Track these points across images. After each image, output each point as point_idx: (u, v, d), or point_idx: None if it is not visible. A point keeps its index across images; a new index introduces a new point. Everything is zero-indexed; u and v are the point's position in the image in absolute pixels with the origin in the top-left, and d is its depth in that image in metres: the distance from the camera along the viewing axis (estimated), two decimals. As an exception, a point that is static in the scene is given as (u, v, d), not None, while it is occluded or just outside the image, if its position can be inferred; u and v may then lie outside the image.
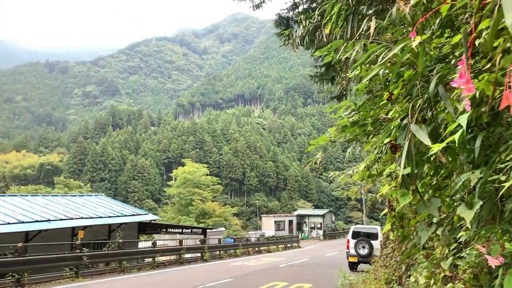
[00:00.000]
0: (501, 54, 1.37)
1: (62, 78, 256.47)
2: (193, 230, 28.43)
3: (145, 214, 25.27)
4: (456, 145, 2.26)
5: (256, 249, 31.05)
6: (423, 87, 2.04)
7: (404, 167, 1.85)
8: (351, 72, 4.06)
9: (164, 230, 26.43)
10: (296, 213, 60.89)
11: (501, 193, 1.65)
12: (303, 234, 52.62)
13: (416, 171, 1.87)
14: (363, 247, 17.55)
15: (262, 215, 59.08)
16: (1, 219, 15.25)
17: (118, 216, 21.46)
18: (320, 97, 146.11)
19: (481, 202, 1.70)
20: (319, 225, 55.33)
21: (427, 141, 1.60)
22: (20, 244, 12.92)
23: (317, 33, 8.31)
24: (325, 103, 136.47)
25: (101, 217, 20.09)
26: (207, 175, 65.83)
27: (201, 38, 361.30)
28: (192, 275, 16.00)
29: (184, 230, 27.45)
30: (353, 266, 17.85)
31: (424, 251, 2.45)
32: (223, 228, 42.42)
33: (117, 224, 21.33)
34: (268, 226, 50.03)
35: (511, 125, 2.13)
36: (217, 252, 25.48)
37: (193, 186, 59.38)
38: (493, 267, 1.70)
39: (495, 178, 1.76)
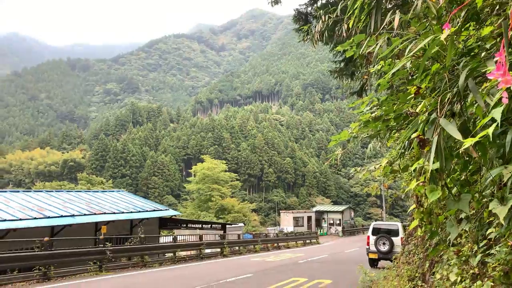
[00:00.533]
0: None
1: (84, 75, 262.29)
2: (212, 225, 28.67)
3: (166, 209, 25.64)
4: (490, 139, 2.22)
5: (275, 245, 31.08)
6: (451, 80, 2.00)
7: (433, 162, 1.82)
8: (374, 67, 4.01)
9: (184, 225, 26.76)
10: (314, 209, 60.63)
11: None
12: (322, 230, 52.36)
13: (445, 166, 1.84)
14: (384, 243, 17.33)
15: (280, 211, 59.07)
16: (28, 214, 15.76)
17: (139, 211, 21.85)
18: (339, 93, 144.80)
19: (514, 198, 1.66)
20: (338, 221, 54.91)
21: (458, 135, 1.57)
22: (46, 239, 13.33)
23: (336, 28, 8.22)
24: (344, 99, 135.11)
25: (123, 212, 20.50)
26: (225, 171, 66.23)
27: (219, 34, 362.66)
28: (212, 270, 16.17)
29: (203, 225, 27.73)
30: (373, 263, 17.65)
31: (454, 248, 2.41)
32: (242, 224, 42.61)
33: (138, 219, 21.72)
34: (286, 222, 49.97)
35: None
36: (237, 248, 25.62)
37: (212, 182, 59.85)
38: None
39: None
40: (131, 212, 21.20)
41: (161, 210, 24.43)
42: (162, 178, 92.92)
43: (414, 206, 2.26)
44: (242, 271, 15.08)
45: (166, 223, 25.64)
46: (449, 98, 1.79)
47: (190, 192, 71.41)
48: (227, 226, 29.92)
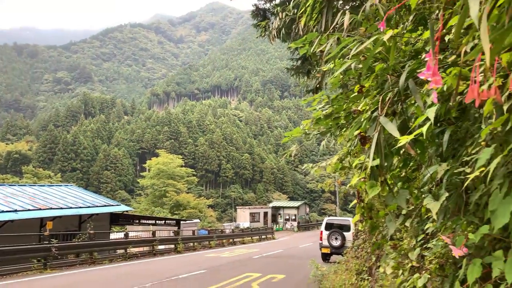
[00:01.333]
0: (465, 48, 1.40)
1: (32, 62, 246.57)
2: (166, 221, 28.19)
3: (117, 205, 24.83)
4: (424, 138, 2.31)
5: (231, 240, 31.12)
6: (394, 81, 2.06)
7: (374, 159, 1.87)
8: (326, 66, 4.09)
9: (137, 221, 26.08)
10: (271, 205, 61.38)
11: (465, 184, 1.69)
12: (277, 225, 53.14)
13: (385, 163, 1.89)
14: (336, 238, 17.86)
15: (237, 207, 59.21)
16: (-36, 209, 14.64)
17: (89, 206, 20.99)
18: (297, 91, 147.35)
19: (447, 194, 1.74)
20: (293, 217, 55.96)
21: (395, 133, 1.62)
22: (-16, 235, 12.45)
23: (293, 26, 8.31)
24: (302, 97, 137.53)
25: (71, 207, 19.59)
26: (181, 166, 65.29)
27: (177, 26, 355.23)
28: (165, 266, 15.89)
29: (157, 221, 27.19)
30: (326, 257, 18.15)
31: (391, 242, 2.51)
32: (197, 220, 42.25)
33: (88, 215, 20.86)
34: (243, 217, 50.21)
35: (478, 120, 2.19)
36: (191, 244, 25.37)
37: (167, 177, 58.78)
38: (457, 257, 1.75)
39: (461, 170, 1.81)
40: (80, 207, 20.31)
41: (112, 205, 23.62)
42: (115, 172, 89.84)
43: (355, 201, 2.32)
44: (195, 267, 14.95)
45: (118, 219, 24.85)
46: (390, 98, 1.84)
47: (144, 188, 69.72)
48: (181, 222, 29.52)
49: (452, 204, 2.26)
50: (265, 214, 52.71)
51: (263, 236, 37.09)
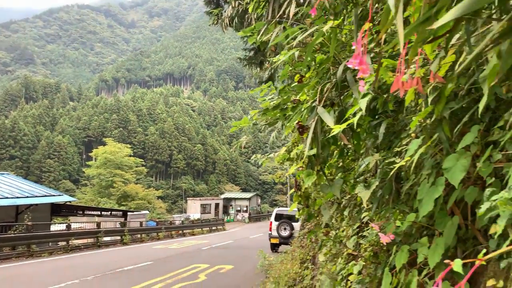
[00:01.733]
0: (384, 35, 1.43)
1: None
2: (113, 212, 27.26)
3: (60, 195, 23.55)
4: (361, 129, 2.36)
5: (180, 232, 30.75)
6: (334, 72, 2.08)
7: (311, 148, 1.88)
8: (276, 57, 4.09)
9: (81, 212, 24.98)
10: (222, 196, 61.36)
11: (392, 172, 1.74)
12: (229, 217, 53.29)
13: (322, 153, 1.91)
14: (285, 228, 18.21)
15: (188, 198, 58.55)
16: None
17: (27, 196, 19.70)
18: (252, 82, 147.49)
19: (377, 183, 1.79)
20: (245, 208, 56.40)
21: (330, 122, 1.63)
22: None
23: (246, 15, 8.25)
24: (256, 85, 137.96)
25: (6, 197, 18.28)
26: (130, 156, 63.28)
27: (129, 10, 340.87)
28: (110, 258, 15.36)
29: (103, 212, 26.23)
30: (274, 248, 18.46)
31: (324, 229, 2.58)
32: (146, 211, 41.28)
33: (26, 205, 19.59)
34: (193, 209, 49.79)
35: (413, 112, 2.28)
36: (139, 235, 24.76)
37: (115, 167, 56.73)
38: (385, 244, 1.81)
39: (392, 161, 1.86)
40: (17, 197, 19.01)
41: (53, 195, 22.36)
42: (58, 161, 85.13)
43: (293, 190, 2.35)
44: (142, 259, 14.60)
45: (61, 210, 23.62)
46: (328, 88, 1.86)
47: (90, 178, 66.68)
48: (129, 213, 28.69)
49: (386, 194, 2.35)
50: (217, 205, 52.64)
51: (213, 228, 37.03)
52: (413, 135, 1.80)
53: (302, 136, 1.91)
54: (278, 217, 19.16)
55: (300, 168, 2.10)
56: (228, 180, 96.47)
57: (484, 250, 0.86)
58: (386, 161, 1.96)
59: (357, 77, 1.35)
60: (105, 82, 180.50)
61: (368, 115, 2.40)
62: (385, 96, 2.05)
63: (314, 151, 1.82)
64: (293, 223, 18.05)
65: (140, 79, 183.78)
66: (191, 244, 22.25)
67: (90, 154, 75.26)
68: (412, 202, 2.21)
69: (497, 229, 1.33)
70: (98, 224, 20.90)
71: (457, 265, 0.80)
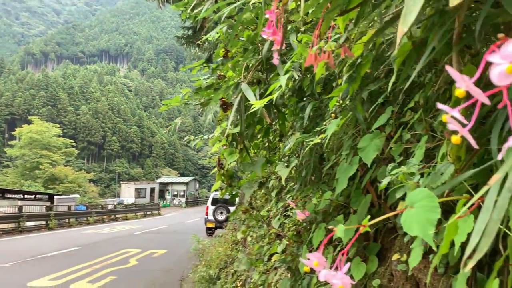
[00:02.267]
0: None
1: None
2: (37, 196, 25.44)
3: (-26, 177, 21.40)
4: (274, 103, 2.36)
5: (112, 216, 29.60)
6: (261, 49, 2.05)
7: (235, 126, 1.84)
8: (210, 35, 3.97)
9: (0, 195, 22.97)
10: (159, 180, 59.95)
11: (306, 150, 1.76)
12: (165, 201, 52.31)
13: (246, 131, 1.88)
14: (221, 213, 18.26)
15: (122, 182, 56.38)
16: None
17: None
18: (193, 63, 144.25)
19: (296, 161, 1.80)
20: (182, 193, 55.71)
21: (252, 98, 1.60)
22: None
23: (185, -8, 7.95)
24: (198, 70, 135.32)
25: None
26: (59, 136, 59.21)
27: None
28: (32, 244, 14.34)
29: (26, 195, 24.36)
30: (210, 232, 18.47)
31: (243, 207, 2.59)
32: (76, 195, 39.17)
33: None
34: (128, 193, 48.16)
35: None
36: (67, 220, 23.42)
37: (42, 147, 52.78)
38: (301, 220, 1.84)
39: (311, 140, 1.88)
40: None
41: (-33, 177, 20.25)
42: (-26, 140, 77.20)
43: (215, 168, 2.32)
44: (68, 244, 13.83)
45: (-25, 193, 21.53)
46: (253, 65, 1.82)
47: (13, 158, 61.45)
48: (56, 197, 26.96)
49: (309, 174, 2.40)
50: (152, 190, 51.39)
51: (148, 212, 36.17)
52: (333, 115, 1.84)
53: (226, 113, 1.87)
54: (215, 201, 19.15)
55: (224, 147, 2.06)
56: (166, 164, 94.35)
57: (369, 216, 0.88)
58: (307, 141, 1.99)
59: (273, 49, 1.32)
60: (32, 55, 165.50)
61: (296, 96, 2.42)
62: (309, 76, 2.07)
63: (237, 129, 1.78)
64: (230, 207, 18.16)
65: (72, 55, 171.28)
66: (124, 229, 21.54)
67: (13, 133, 69.05)
68: (332, 182, 2.29)
69: (403, 205, 1.40)
70: (20, 208, 19.40)
71: (340, 230, 0.82)
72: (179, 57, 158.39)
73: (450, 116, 0.53)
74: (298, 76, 1.98)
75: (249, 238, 3.45)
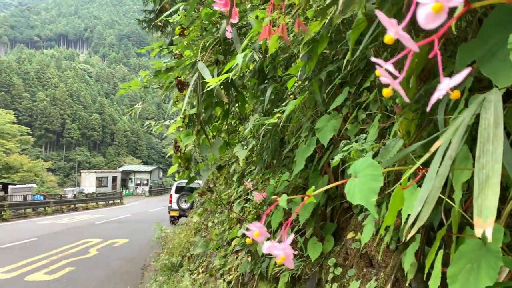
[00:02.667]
0: None
1: None
2: (-11, 186, 24.09)
3: None
4: (248, 92, 2.32)
5: (72, 206, 28.60)
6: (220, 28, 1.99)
7: (192, 107, 1.79)
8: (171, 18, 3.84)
9: None
10: (121, 169, 58.45)
11: (262, 131, 1.74)
12: (127, 190, 51.14)
13: (203, 112, 1.83)
14: (185, 201, 18.08)
15: (82, 171, 54.49)
16: None
17: None
18: (157, 50, 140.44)
19: (254, 142, 1.79)
20: (145, 182, 54.70)
21: (209, 77, 1.56)
22: None
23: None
24: (161, 57, 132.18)
25: None
26: (14, 123, 56.19)
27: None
28: (-17, 237, 13.60)
29: (-24, 186, 23.00)
30: (173, 220, 18.27)
31: (199, 190, 2.56)
32: (33, 185, 37.54)
33: None
34: (88, 182, 46.65)
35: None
36: (22, 211, 22.39)
37: (-6, 135, 49.95)
38: (258, 202, 1.83)
39: (269, 121, 1.87)
40: None
41: None
42: None
43: (172, 151, 2.26)
44: (24, 235, 13.25)
45: None
46: (211, 44, 1.77)
47: (-38, 146, 57.71)
48: (10, 186, 25.70)
49: (269, 157, 2.39)
50: (114, 178, 50.08)
51: (110, 202, 35.26)
52: (291, 96, 1.82)
53: (181, 93, 1.80)
54: (179, 189, 18.90)
55: (181, 129, 2.00)
56: (128, 152, 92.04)
57: (313, 187, 0.88)
58: (266, 123, 1.97)
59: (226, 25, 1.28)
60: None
61: (257, 78, 2.39)
62: (269, 57, 2.04)
63: (194, 110, 1.73)
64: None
65: (28, 39, 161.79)
66: (84, 218, 20.89)
67: (-39, 120, 64.68)
68: (292, 165, 2.29)
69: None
70: (-31, 199, 18.30)
71: (282, 200, 0.81)
72: (142, 43, 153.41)
73: (384, 69, 0.51)
74: (259, 57, 1.94)
75: (210, 224, 3.42)
